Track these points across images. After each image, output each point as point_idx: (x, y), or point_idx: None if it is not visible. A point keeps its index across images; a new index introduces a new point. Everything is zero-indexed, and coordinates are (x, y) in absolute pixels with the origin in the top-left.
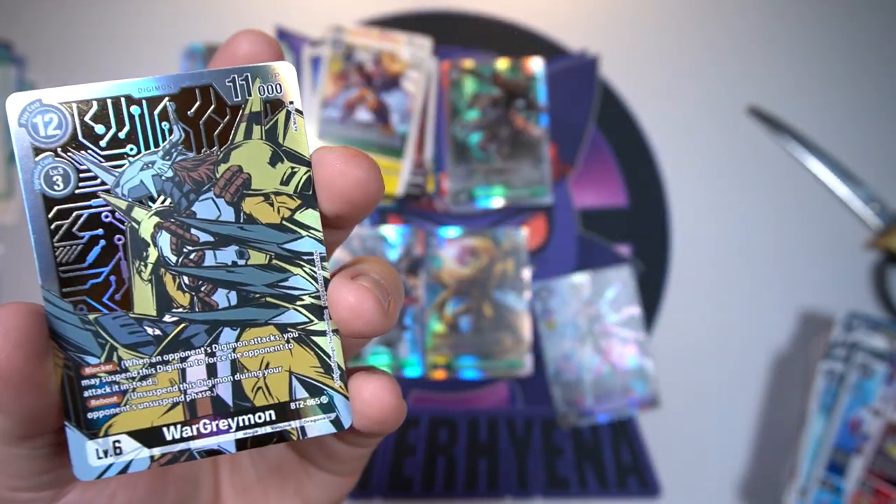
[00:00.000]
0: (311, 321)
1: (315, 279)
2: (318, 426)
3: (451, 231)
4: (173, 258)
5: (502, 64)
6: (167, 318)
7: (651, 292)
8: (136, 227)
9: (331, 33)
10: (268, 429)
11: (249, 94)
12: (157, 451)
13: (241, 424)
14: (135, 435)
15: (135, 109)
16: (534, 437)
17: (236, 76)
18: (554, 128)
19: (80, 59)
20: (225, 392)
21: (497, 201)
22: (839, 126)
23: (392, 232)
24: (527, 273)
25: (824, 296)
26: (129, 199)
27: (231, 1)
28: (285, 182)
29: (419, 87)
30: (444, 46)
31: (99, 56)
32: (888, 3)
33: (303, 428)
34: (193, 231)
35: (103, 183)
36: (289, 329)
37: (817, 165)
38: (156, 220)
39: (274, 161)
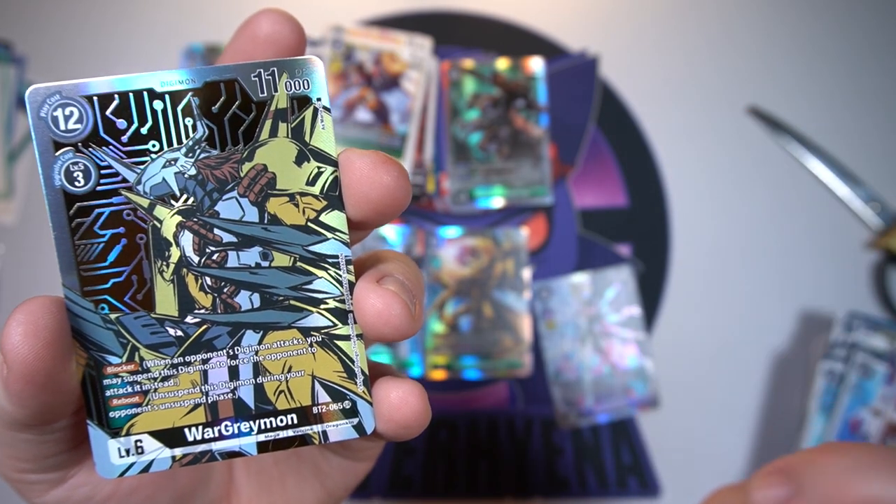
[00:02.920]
0: (335, 325)
1: (340, 283)
2: (340, 431)
3: (451, 231)
4: (196, 258)
5: (502, 64)
6: (189, 320)
7: (651, 292)
8: (159, 225)
9: (331, 33)
10: (289, 432)
11: (275, 90)
12: (178, 452)
13: (262, 427)
14: (156, 435)
15: (157, 104)
16: (534, 437)
17: (262, 70)
18: (554, 128)
19: (81, 59)
20: (247, 394)
21: (497, 201)
22: (839, 126)
23: (392, 232)
24: (527, 273)
25: (824, 296)
26: (151, 197)
27: (231, 1)
28: (311, 182)
29: (419, 87)
30: (444, 46)
31: (99, 56)
32: (889, 2)
33: (325, 432)
34: (216, 231)
35: (125, 180)
36: (312, 333)
37: (817, 165)
38: (178, 219)
39: (300, 160)
